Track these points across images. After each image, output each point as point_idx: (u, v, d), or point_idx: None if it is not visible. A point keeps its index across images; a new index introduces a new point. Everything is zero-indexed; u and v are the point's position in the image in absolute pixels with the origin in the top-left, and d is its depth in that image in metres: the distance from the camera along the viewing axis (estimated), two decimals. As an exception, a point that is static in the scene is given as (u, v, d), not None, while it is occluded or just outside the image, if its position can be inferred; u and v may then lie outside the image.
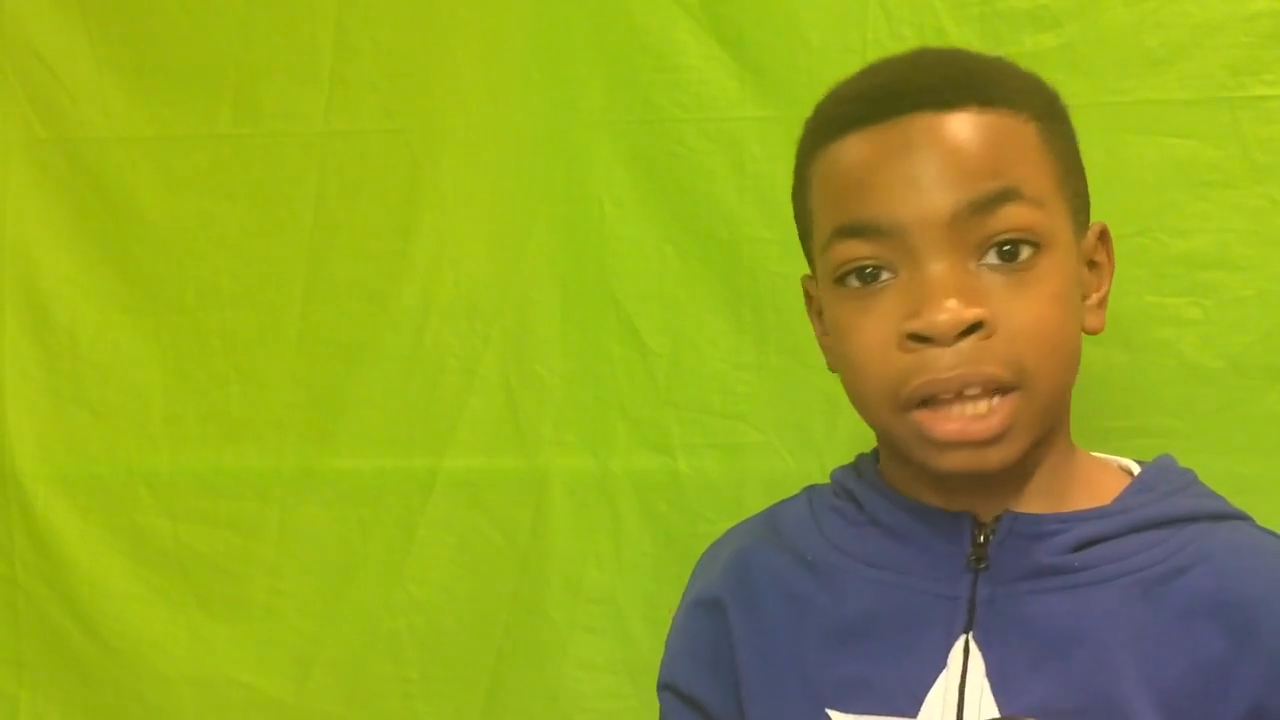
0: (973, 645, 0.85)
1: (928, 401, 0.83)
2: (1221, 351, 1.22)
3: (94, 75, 1.51)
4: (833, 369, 0.93)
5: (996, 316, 0.81)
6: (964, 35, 1.26)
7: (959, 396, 0.82)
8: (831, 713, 0.87)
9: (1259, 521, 1.15)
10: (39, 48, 1.52)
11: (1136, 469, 0.95)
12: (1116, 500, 0.89)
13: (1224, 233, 1.21)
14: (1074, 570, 0.86)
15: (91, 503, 1.52)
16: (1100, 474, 0.93)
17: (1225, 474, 1.20)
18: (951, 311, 0.80)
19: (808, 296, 0.96)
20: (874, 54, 1.30)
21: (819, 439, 1.31)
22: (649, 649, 1.35)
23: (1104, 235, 0.93)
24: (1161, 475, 0.92)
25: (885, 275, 0.83)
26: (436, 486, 1.43)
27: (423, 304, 1.43)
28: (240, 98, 1.48)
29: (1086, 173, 1.22)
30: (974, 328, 0.81)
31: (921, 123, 0.82)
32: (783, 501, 1.02)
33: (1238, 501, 1.20)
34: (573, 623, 1.39)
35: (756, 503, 1.17)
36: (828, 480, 1.03)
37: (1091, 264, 0.92)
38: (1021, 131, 0.84)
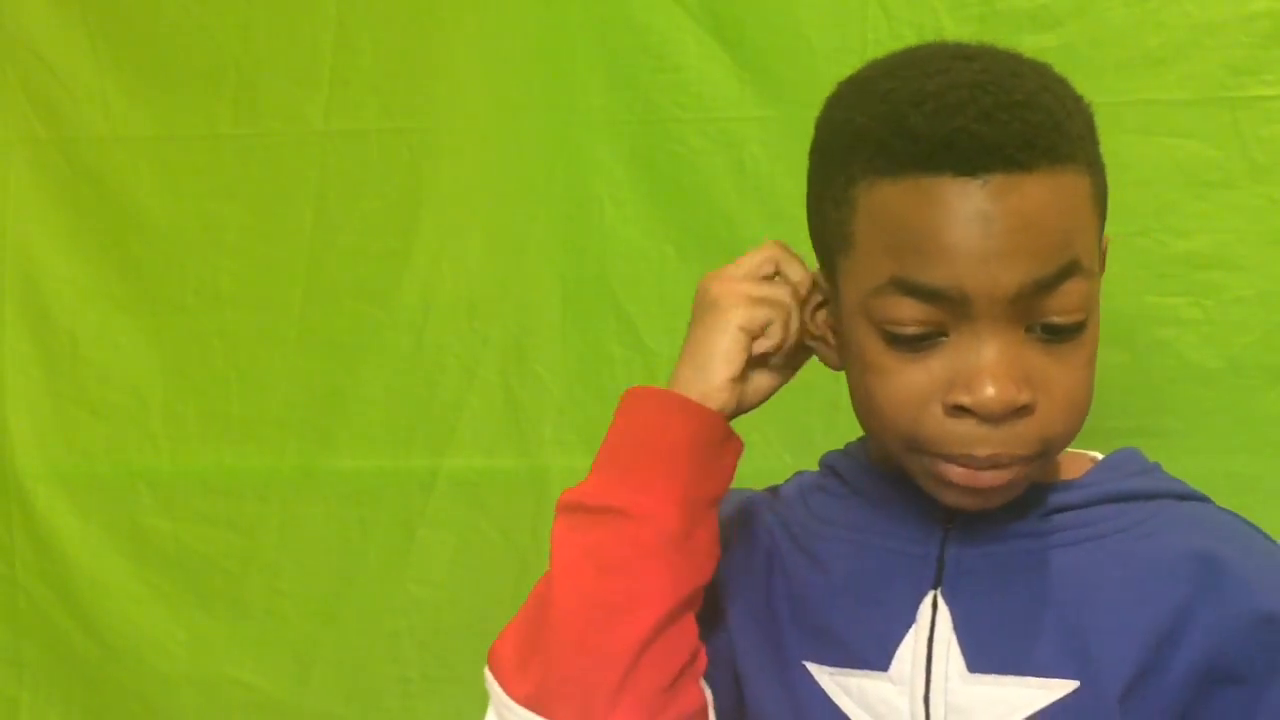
0: (940, 600, 0.86)
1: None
2: (1221, 351, 1.22)
3: (94, 75, 1.51)
4: (833, 368, 0.93)
5: (1039, 394, 0.81)
6: (964, 35, 1.25)
7: (987, 468, 0.83)
8: (809, 665, 0.89)
9: (1259, 521, 1.15)
10: (39, 48, 1.52)
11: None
12: (1083, 476, 0.91)
13: (1224, 233, 1.22)
14: (1041, 534, 0.87)
15: (91, 503, 1.52)
16: (1069, 460, 0.93)
17: (1225, 474, 1.21)
18: (1003, 391, 0.79)
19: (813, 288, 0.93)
20: (874, 54, 1.29)
21: (819, 439, 1.31)
22: (649, 649, 1.35)
23: (1105, 249, 0.90)
24: (1126, 460, 0.93)
25: (936, 337, 0.82)
26: (436, 486, 1.43)
27: (423, 304, 1.44)
28: (240, 98, 1.49)
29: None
30: (1019, 409, 0.81)
31: (995, 187, 0.78)
32: (781, 484, 1.02)
33: (1238, 501, 1.20)
34: (573, 623, 1.39)
35: (756, 503, 1.17)
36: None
37: None
38: (1081, 189, 0.82)
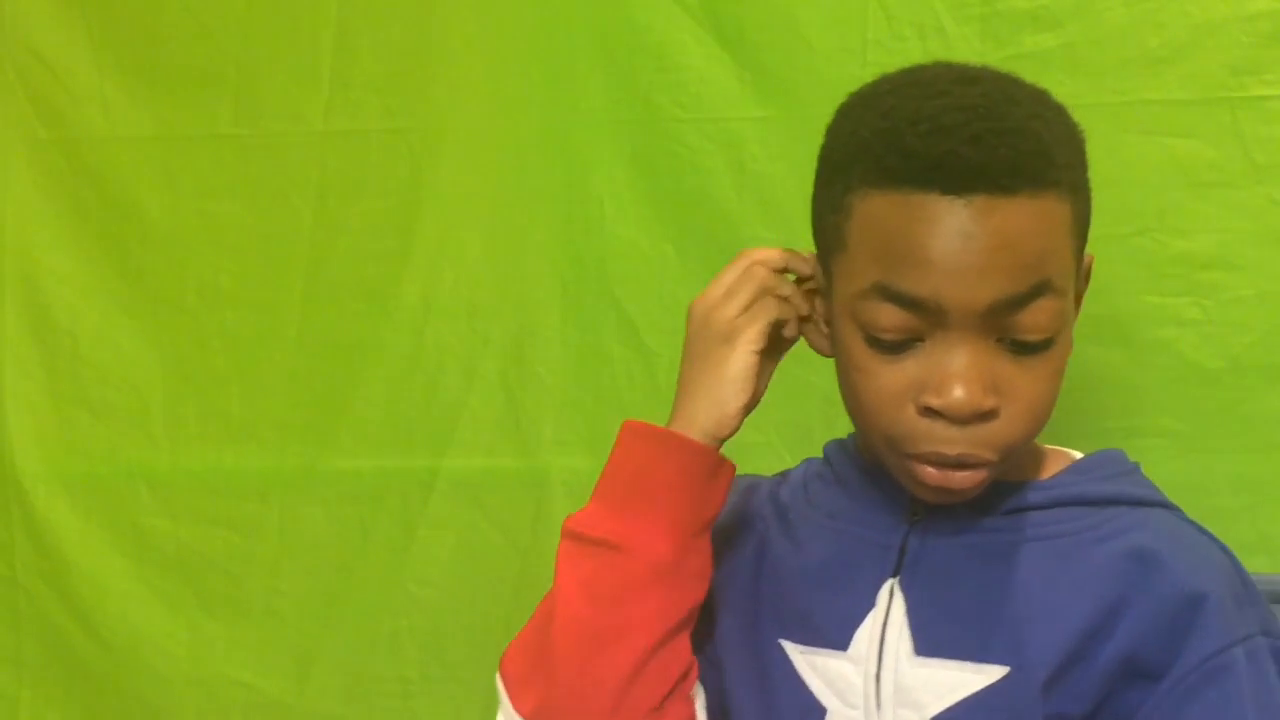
0: (896, 589, 0.93)
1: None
2: (1221, 351, 1.22)
3: (94, 75, 1.51)
4: (823, 354, 0.97)
5: (1005, 401, 0.87)
6: (964, 35, 1.26)
7: (955, 467, 0.88)
8: (784, 643, 0.95)
9: (1260, 521, 1.15)
10: (39, 48, 1.52)
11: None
12: (1051, 478, 0.95)
13: (1224, 233, 1.21)
14: (999, 530, 0.93)
15: (91, 503, 1.52)
16: (1046, 460, 0.98)
17: (1225, 474, 1.21)
18: (970, 395, 0.85)
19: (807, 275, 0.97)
20: (874, 54, 1.31)
21: (818, 438, 1.30)
22: (649, 649, 1.35)
23: (1090, 265, 0.95)
24: (1099, 463, 0.97)
25: (913, 342, 0.87)
26: (436, 486, 1.43)
27: (423, 304, 1.44)
28: (240, 98, 1.49)
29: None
30: (986, 414, 0.86)
31: (979, 207, 0.84)
32: (794, 468, 1.07)
33: (1237, 501, 1.21)
34: (573, 623, 1.39)
35: (756, 503, 1.17)
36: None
37: (1077, 295, 0.94)
38: (1060, 215, 0.87)
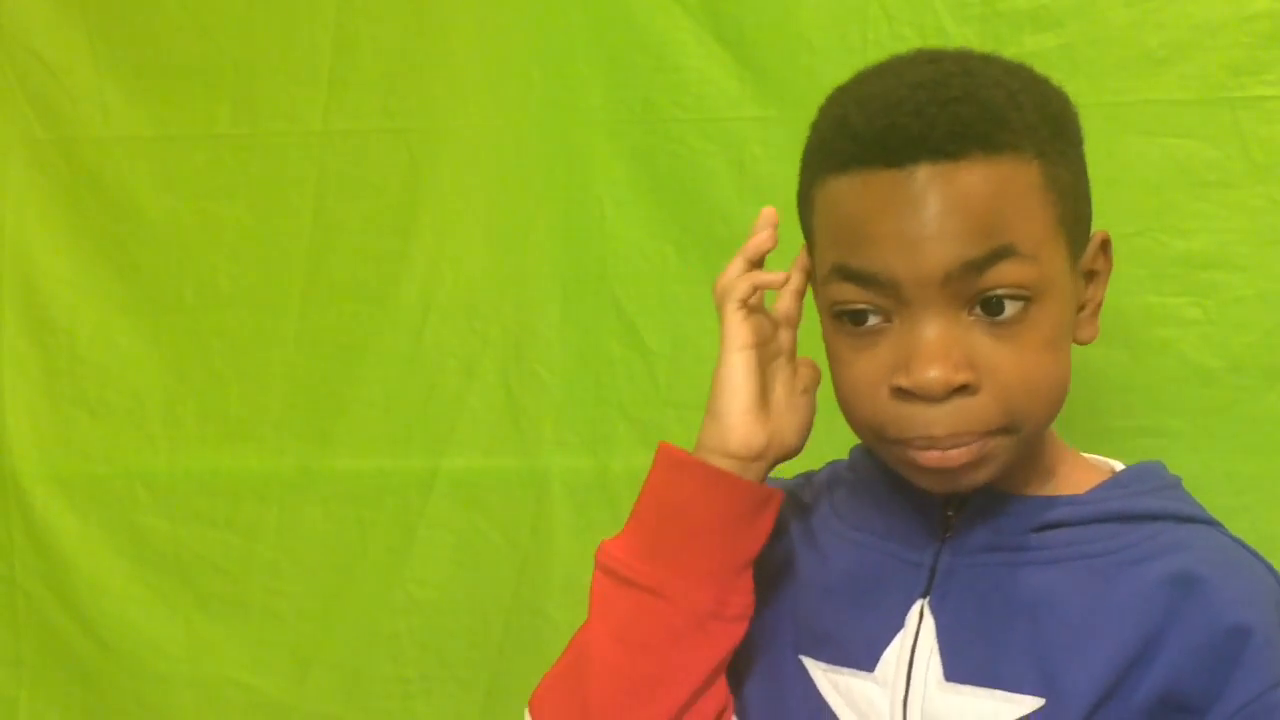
0: (926, 610, 0.89)
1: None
2: (1221, 351, 1.22)
3: (94, 75, 1.51)
4: None
5: (984, 374, 0.83)
6: (964, 35, 1.26)
7: (950, 448, 0.85)
8: (804, 659, 0.93)
9: (1259, 520, 1.15)
10: (39, 48, 1.52)
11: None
12: (1088, 492, 0.92)
13: (1224, 233, 1.22)
14: (1032, 549, 0.89)
15: (91, 503, 1.52)
16: (1083, 471, 0.94)
17: (1225, 474, 1.21)
18: (941, 372, 0.82)
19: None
20: (874, 54, 1.29)
21: (819, 439, 1.30)
22: (649, 649, 1.35)
23: (1105, 244, 0.92)
24: (1139, 476, 0.94)
25: (879, 320, 0.85)
26: (436, 486, 1.43)
27: (423, 304, 1.43)
28: (239, 98, 1.48)
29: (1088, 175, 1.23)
30: (962, 388, 0.83)
31: (923, 176, 0.82)
32: (818, 470, 1.04)
33: (1237, 501, 1.21)
34: (573, 623, 1.38)
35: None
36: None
37: (1090, 274, 0.92)
38: (1023, 177, 0.84)
